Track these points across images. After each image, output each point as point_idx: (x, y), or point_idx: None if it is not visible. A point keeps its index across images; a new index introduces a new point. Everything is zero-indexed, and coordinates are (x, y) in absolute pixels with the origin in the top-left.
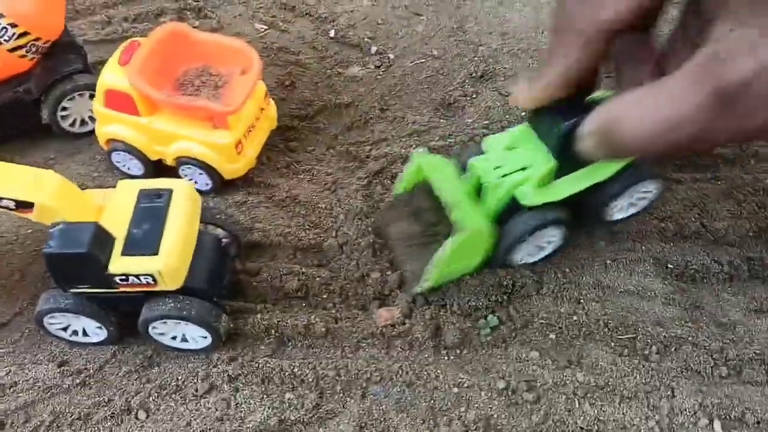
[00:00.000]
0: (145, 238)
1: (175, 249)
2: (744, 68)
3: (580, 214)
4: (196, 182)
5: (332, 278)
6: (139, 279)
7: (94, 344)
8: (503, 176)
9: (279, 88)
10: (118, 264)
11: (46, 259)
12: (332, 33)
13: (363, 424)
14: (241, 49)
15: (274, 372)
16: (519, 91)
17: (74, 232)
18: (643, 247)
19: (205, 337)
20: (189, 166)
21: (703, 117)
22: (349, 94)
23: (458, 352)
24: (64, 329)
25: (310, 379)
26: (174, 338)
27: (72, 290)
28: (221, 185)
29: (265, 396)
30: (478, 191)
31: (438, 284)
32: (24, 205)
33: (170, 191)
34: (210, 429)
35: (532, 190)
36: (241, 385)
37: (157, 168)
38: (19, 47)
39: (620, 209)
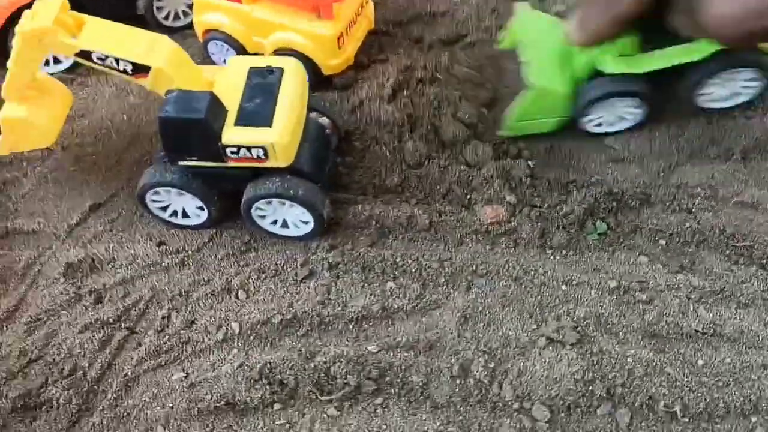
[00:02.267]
0: (257, 111)
1: (288, 124)
2: None
3: (670, 96)
4: None
5: (434, 175)
6: (250, 152)
7: (191, 227)
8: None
9: None
10: (232, 134)
11: (160, 123)
12: None
13: (467, 316)
14: None
15: (375, 261)
16: (571, 30)
17: (190, 99)
18: (757, 164)
19: (307, 223)
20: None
21: None
22: (444, 2)
23: (564, 252)
24: (164, 209)
25: (413, 270)
26: (274, 222)
27: (180, 162)
28: (316, 83)
29: (366, 284)
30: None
31: (516, 133)
32: (140, 69)
33: (281, 69)
34: (312, 311)
35: (612, 58)
36: (341, 273)
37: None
38: None
39: (714, 98)
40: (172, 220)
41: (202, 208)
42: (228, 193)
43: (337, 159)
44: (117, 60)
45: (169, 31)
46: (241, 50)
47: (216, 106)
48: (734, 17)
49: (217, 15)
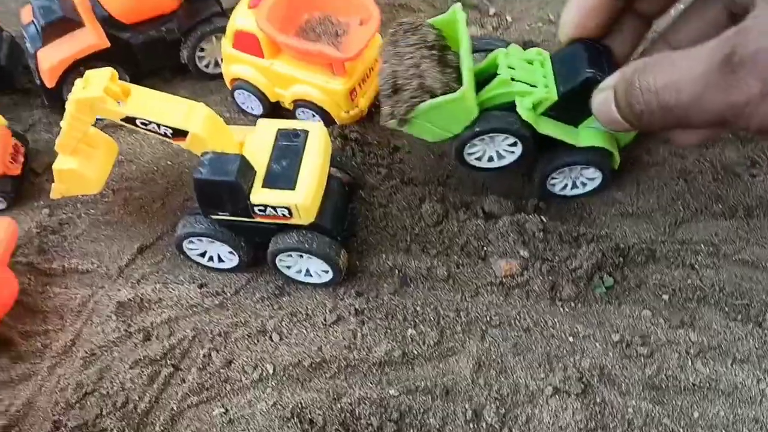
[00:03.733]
0: (283, 173)
1: (311, 186)
2: (761, 44)
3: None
4: None
5: (453, 230)
6: (275, 211)
7: (227, 270)
8: (513, 79)
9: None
10: (259, 194)
11: (195, 184)
12: None
13: (481, 363)
14: (362, 1)
15: (397, 309)
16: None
17: (223, 161)
18: (759, 222)
19: (327, 272)
20: (305, 109)
21: (704, 81)
22: None
23: (573, 305)
24: (202, 254)
25: (432, 318)
26: (299, 271)
27: (212, 216)
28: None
29: (388, 330)
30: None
31: (407, 131)
32: (179, 134)
33: (306, 132)
34: (339, 355)
35: (528, 105)
36: (366, 319)
37: (275, 109)
38: None
39: (560, 184)
40: (209, 264)
41: (233, 253)
42: (255, 243)
43: (355, 211)
44: (158, 125)
45: (209, 78)
46: (264, 99)
47: (246, 168)
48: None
49: (242, 67)
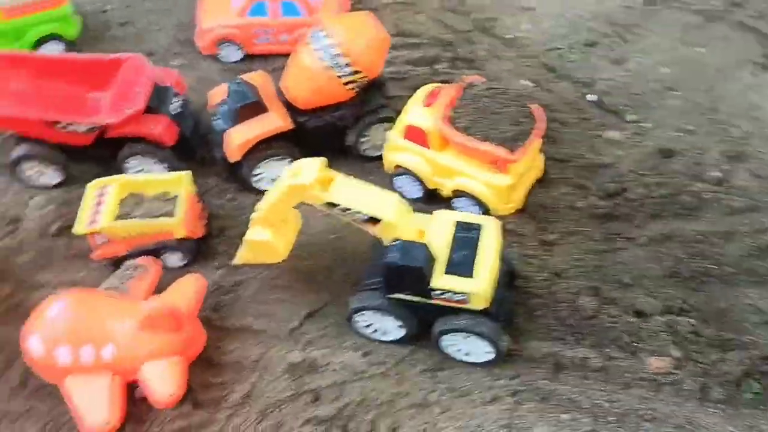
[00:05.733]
0: (463, 262)
1: (488, 276)
2: None
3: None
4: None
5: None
6: (453, 295)
7: (389, 342)
8: None
9: (543, 142)
10: (441, 280)
11: (386, 267)
12: (591, 97)
13: None
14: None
15: (552, 394)
16: None
17: (411, 249)
18: None
19: (488, 353)
20: (463, 198)
21: None
22: (609, 155)
23: (723, 407)
24: (367, 327)
25: (585, 406)
26: (459, 350)
27: (391, 295)
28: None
29: (544, 413)
30: None
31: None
32: (372, 220)
33: (482, 225)
34: None
35: None
36: (523, 400)
37: (430, 195)
38: (351, 81)
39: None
40: (374, 335)
41: (400, 327)
42: (423, 319)
43: (512, 299)
44: (355, 211)
45: (366, 160)
46: (423, 186)
47: (430, 256)
48: None
49: (406, 155)
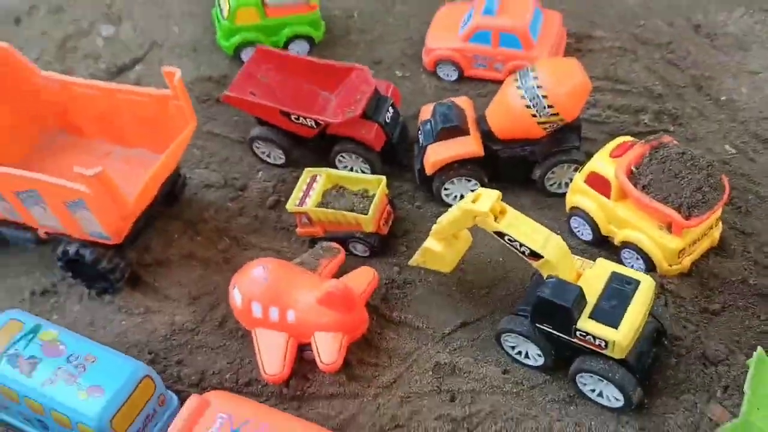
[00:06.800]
0: (610, 312)
1: (632, 331)
2: None
3: None
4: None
5: None
6: (594, 340)
7: (529, 366)
8: None
9: (733, 212)
10: (585, 324)
11: (537, 300)
12: None
13: None
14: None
15: None
16: None
17: (563, 288)
18: None
19: (618, 399)
20: (630, 251)
21: None
22: None
23: None
24: (512, 347)
25: None
26: (592, 390)
27: (537, 325)
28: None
29: None
30: None
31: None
32: (534, 255)
33: (638, 282)
34: None
35: None
36: None
37: (601, 241)
38: (547, 122)
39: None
40: (516, 357)
41: (540, 356)
42: (560, 353)
43: (656, 355)
44: (520, 244)
45: (548, 195)
46: (596, 230)
47: (580, 298)
48: None
49: (587, 200)
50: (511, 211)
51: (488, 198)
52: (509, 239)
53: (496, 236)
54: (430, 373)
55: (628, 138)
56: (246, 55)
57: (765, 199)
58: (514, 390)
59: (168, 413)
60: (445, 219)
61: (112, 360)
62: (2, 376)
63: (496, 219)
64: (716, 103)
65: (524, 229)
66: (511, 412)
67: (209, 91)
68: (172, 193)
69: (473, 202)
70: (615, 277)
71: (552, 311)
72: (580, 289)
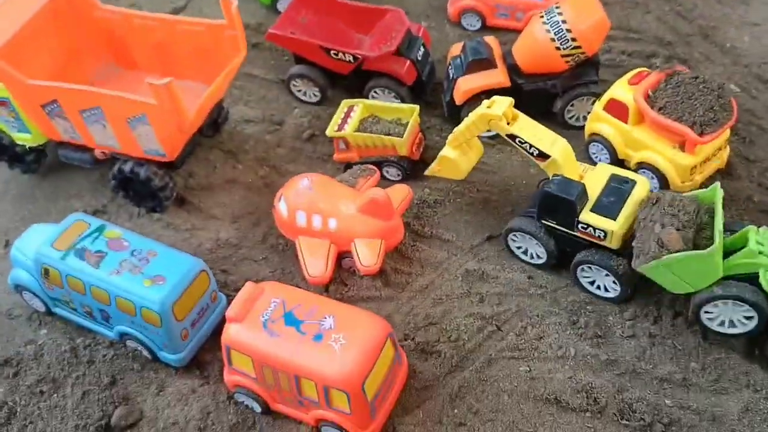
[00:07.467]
0: (609, 206)
1: (627, 222)
2: None
3: None
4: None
5: None
6: (594, 231)
7: (536, 265)
8: (760, 253)
9: (738, 141)
10: (586, 216)
11: (542, 194)
12: None
13: (749, 408)
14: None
15: (685, 344)
16: None
17: (568, 184)
18: None
19: (615, 288)
20: (645, 170)
21: None
22: None
23: None
24: (518, 247)
25: (713, 359)
26: (592, 283)
27: (542, 221)
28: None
29: (674, 357)
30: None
31: (649, 276)
32: (542, 156)
33: (634, 182)
34: (630, 362)
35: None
36: (657, 342)
37: (617, 163)
38: (569, 55)
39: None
40: (524, 258)
41: (542, 255)
42: (564, 250)
43: None
44: (530, 145)
45: (568, 128)
46: (613, 154)
47: (583, 193)
48: None
49: (605, 126)
50: (522, 116)
51: (501, 104)
52: (520, 141)
53: (508, 139)
54: (460, 279)
55: (646, 68)
56: (282, 5)
57: (766, 131)
58: (538, 293)
59: (218, 310)
60: (462, 125)
61: (172, 255)
62: (71, 268)
63: (508, 123)
64: (721, 49)
65: (534, 131)
66: (536, 310)
67: (247, 37)
68: (215, 123)
69: (488, 107)
70: (614, 177)
71: (557, 205)
72: (583, 185)
